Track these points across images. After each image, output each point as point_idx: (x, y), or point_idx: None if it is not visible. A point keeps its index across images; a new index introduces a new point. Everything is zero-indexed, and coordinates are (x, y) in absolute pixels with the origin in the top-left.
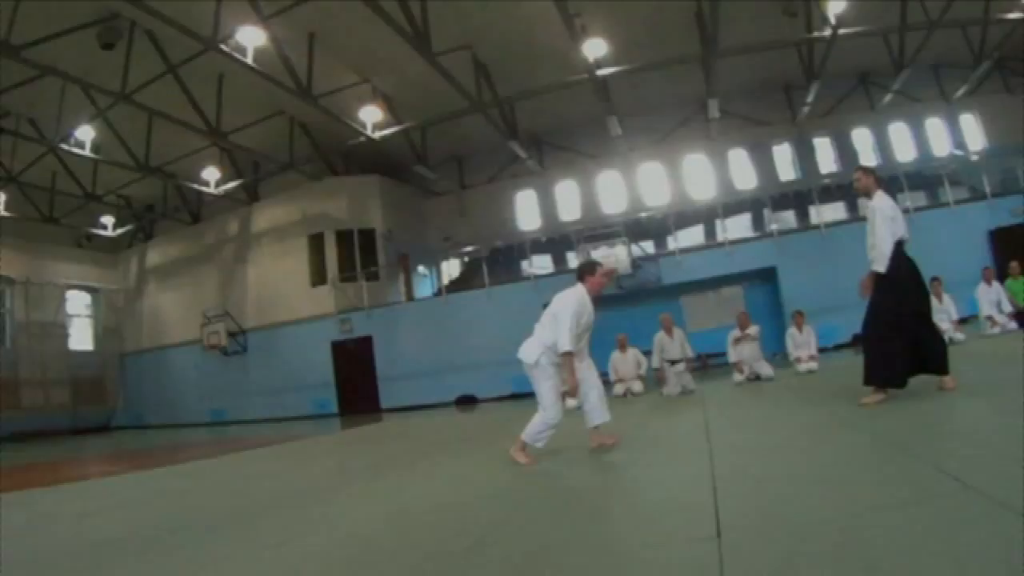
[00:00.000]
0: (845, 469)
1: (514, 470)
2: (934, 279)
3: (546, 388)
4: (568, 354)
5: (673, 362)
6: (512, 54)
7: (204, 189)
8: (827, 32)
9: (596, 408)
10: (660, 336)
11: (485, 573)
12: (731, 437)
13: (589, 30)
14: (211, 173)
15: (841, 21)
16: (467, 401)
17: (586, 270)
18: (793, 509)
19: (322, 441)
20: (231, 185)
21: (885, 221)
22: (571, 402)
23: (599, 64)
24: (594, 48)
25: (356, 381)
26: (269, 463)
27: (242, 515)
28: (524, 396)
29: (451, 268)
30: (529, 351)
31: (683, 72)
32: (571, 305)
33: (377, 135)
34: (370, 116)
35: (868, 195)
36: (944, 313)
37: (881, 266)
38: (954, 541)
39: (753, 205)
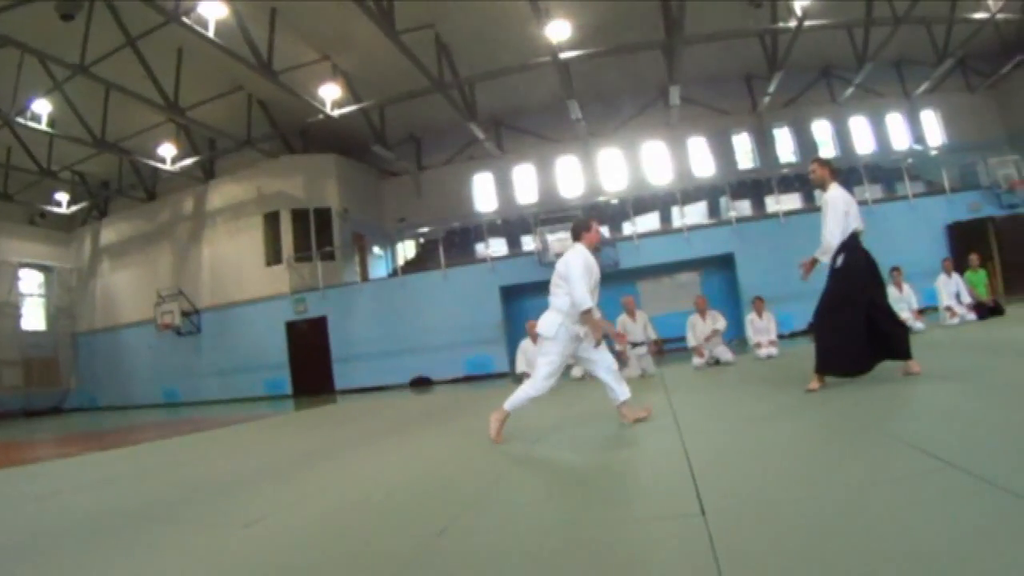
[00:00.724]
0: (820, 449)
1: (485, 449)
2: (894, 269)
3: (549, 364)
4: (588, 311)
5: (635, 345)
6: (475, 35)
7: (160, 166)
8: (792, 24)
9: (614, 385)
10: (622, 319)
11: (477, 547)
12: (698, 419)
13: (553, 13)
14: (167, 149)
15: (806, 13)
16: (422, 383)
17: (581, 227)
18: (773, 487)
19: (278, 422)
20: (187, 162)
21: (836, 213)
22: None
23: (561, 47)
24: (557, 31)
25: (310, 362)
26: (226, 444)
27: (204, 496)
28: (478, 378)
29: (407, 249)
30: (548, 324)
31: (645, 58)
32: (578, 264)
33: (336, 113)
34: (329, 94)
35: (823, 187)
36: (904, 302)
37: (825, 256)
38: (951, 515)
39: (711, 193)
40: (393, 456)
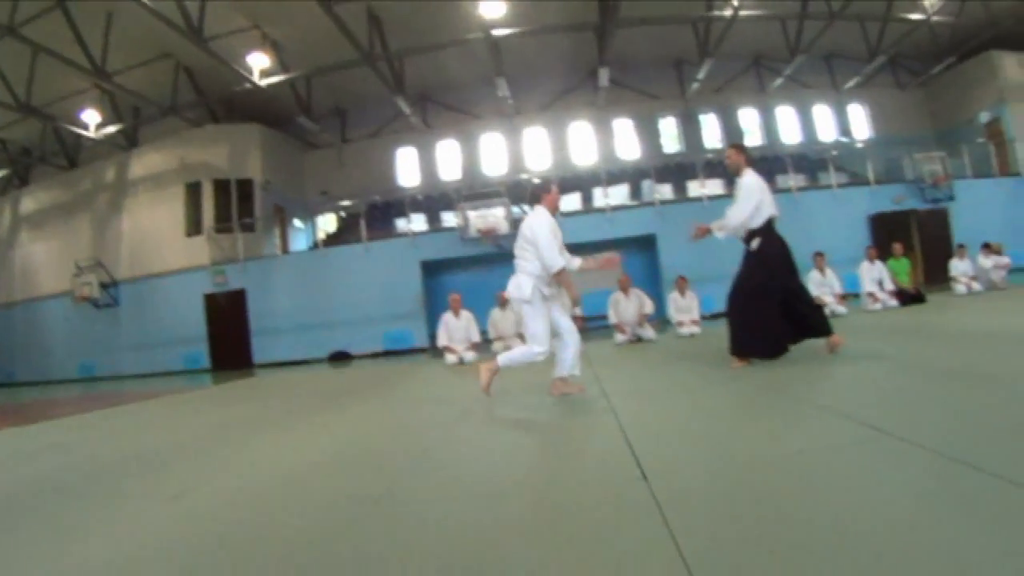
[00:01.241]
0: (754, 419)
1: (415, 420)
2: (817, 254)
3: (541, 325)
4: (561, 271)
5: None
6: (408, 9)
7: (83, 133)
8: (727, 12)
9: (571, 360)
10: None
11: (414, 514)
12: (627, 391)
13: None
14: (91, 116)
15: (742, 3)
16: (340, 357)
17: (541, 190)
18: (710, 454)
19: (200, 395)
20: (110, 129)
21: (749, 198)
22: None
23: (494, 24)
24: (491, 8)
25: (229, 335)
26: (147, 417)
27: (128, 470)
28: (397, 353)
29: (327, 223)
30: (521, 287)
31: (576, 39)
32: (544, 226)
33: (263, 83)
34: (257, 63)
35: (738, 172)
36: (827, 286)
37: (720, 233)
38: (895, 478)
39: (635, 175)
40: (320, 429)
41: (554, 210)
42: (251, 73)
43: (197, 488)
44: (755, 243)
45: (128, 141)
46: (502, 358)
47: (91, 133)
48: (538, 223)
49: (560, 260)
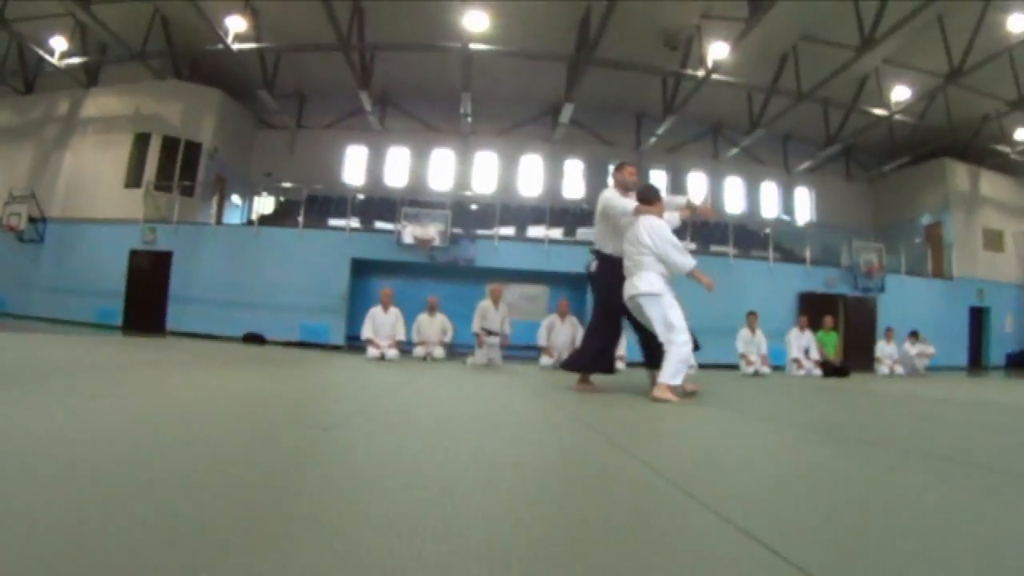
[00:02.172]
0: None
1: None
2: (751, 313)
3: (679, 312)
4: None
5: (490, 333)
6: (393, 3)
7: (48, 57)
8: (700, 72)
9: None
10: (485, 304)
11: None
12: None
13: (476, 2)
14: (59, 43)
15: (716, 67)
16: (254, 339)
17: (652, 196)
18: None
19: (123, 341)
20: (74, 61)
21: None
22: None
23: (473, 38)
24: (475, 21)
25: (147, 296)
26: (64, 343)
27: (48, 375)
28: (311, 345)
29: (265, 205)
30: (653, 283)
31: (547, 71)
32: (666, 229)
33: (236, 47)
34: (235, 25)
35: (628, 190)
36: (755, 345)
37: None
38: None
39: (577, 216)
40: (258, 375)
41: (660, 216)
42: (226, 35)
43: (124, 395)
44: (595, 264)
45: (88, 78)
46: (666, 376)
47: (55, 60)
48: (658, 226)
49: (692, 259)
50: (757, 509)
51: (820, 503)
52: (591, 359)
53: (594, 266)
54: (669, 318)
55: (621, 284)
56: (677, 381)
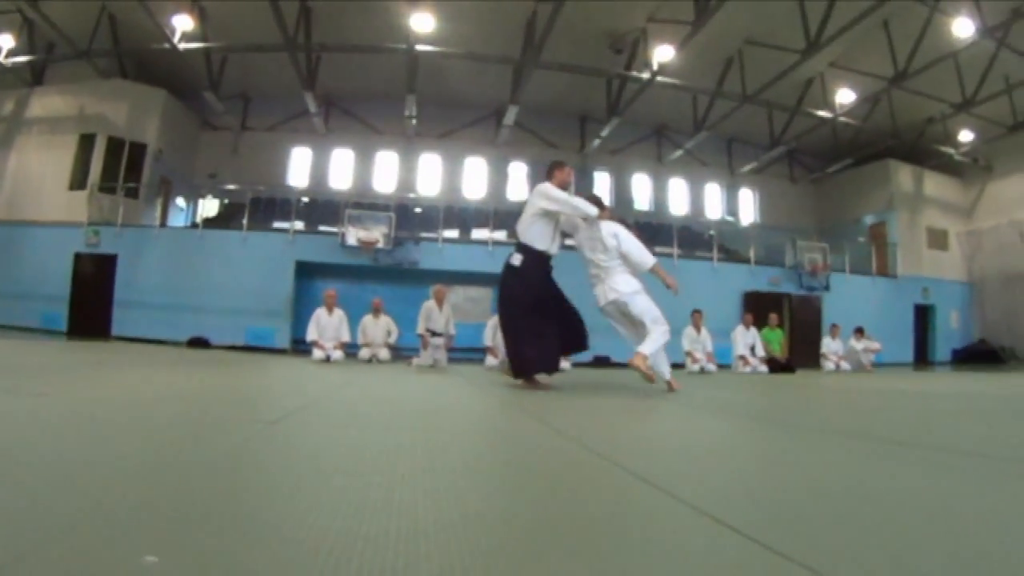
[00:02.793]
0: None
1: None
2: (696, 311)
3: (651, 303)
4: (655, 264)
5: (435, 334)
6: (340, 4)
7: None
8: (645, 75)
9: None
10: (430, 305)
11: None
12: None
13: (423, 3)
14: (6, 40)
15: (662, 69)
16: (200, 343)
17: (600, 205)
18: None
19: (69, 345)
20: (21, 59)
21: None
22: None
23: (419, 40)
24: (421, 22)
25: (91, 300)
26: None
27: None
28: (257, 350)
29: (209, 208)
30: (630, 281)
31: (491, 73)
32: (629, 232)
33: (182, 46)
34: (181, 24)
35: (564, 187)
36: (700, 344)
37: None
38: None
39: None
40: (201, 374)
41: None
42: (173, 34)
43: (65, 392)
44: (518, 258)
45: (34, 77)
46: (649, 349)
47: (1, 58)
48: (622, 232)
49: (652, 256)
50: (713, 492)
51: (780, 487)
52: (540, 359)
53: (518, 260)
54: (649, 312)
55: (549, 280)
56: (648, 351)
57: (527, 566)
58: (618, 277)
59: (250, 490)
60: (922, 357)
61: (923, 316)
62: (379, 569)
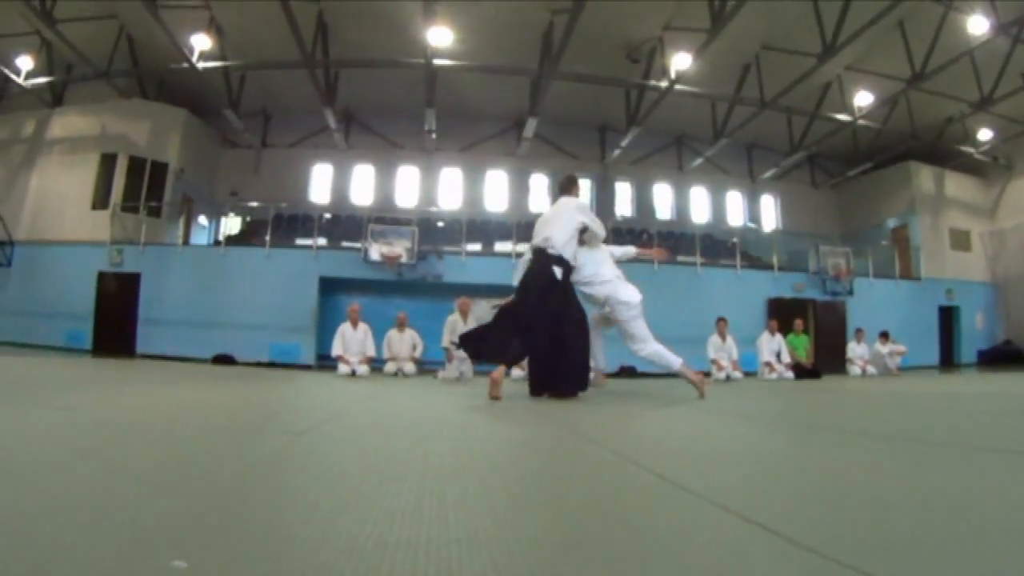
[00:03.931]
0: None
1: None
2: (720, 319)
3: (642, 322)
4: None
5: (460, 347)
6: (356, 21)
7: (13, 77)
8: (663, 83)
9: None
10: (454, 318)
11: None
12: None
13: (440, 17)
14: (25, 62)
15: (679, 78)
16: (224, 360)
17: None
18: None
19: (96, 363)
20: (40, 80)
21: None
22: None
23: (437, 54)
24: (439, 36)
25: (116, 319)
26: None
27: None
28: (282, 366)
29: (231, 225)
30: (635, 291)
31: (510, 86)
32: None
33: (201, 65)
34: (199, 44)
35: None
36: (725, 352)
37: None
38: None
39: None
40: (229, 390)
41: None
42: (191, 53)
43: (93, 406)
44: (560, 271)
45: (54, 98)
46: (670, 364)
47: (21, 80)
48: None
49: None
50: (738, 491)
51: (799, 482)
52: (578, 375)
53: (560, 273)
54: (641, 328)
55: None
56: (680, 366)
57: (560, 569)
58: (629, 286)
59: (279, 498)
60: (948, 359)
61: (948, 318)
62: (411, 574)
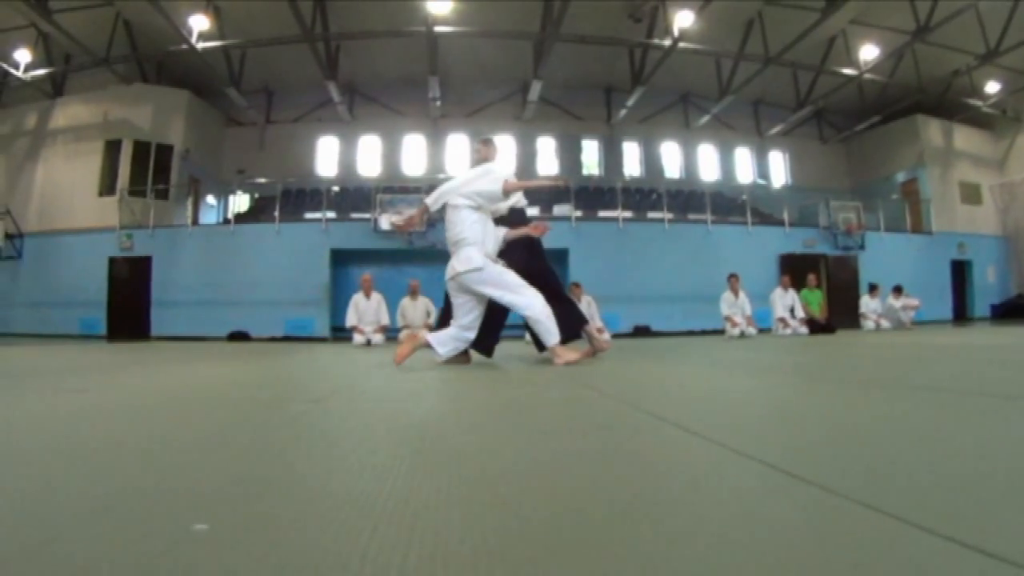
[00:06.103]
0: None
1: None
2: (732, 275)
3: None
4: None
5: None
6: None
7: (12, 71)
8: (667, 42)
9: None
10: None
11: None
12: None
13: None
14: (23, 56)
15: (683, 36)
16: (240, 337)
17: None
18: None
19: (112, 347)
20: (40, 72)
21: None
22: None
23: (437, 21)
24: (439, 3)
25: (129, 303)
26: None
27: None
28: (297, 339)
29: (240, 203)
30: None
31: (512, 50)
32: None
33: (200, 46)
34: (198, 25)
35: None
36: (738, 308)
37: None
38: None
39: (552, 194)
40: (247, 364)
41: None
42: (190, 35)
43: (110, 387)
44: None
45: (54, 89)
46: (554, 337)
47: (20, 73)
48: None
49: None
50: (755, 435)
51: (813, 427)
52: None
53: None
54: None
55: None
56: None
57: (588, 508)
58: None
59: (299, 461)
60: (961, 313)
61: (960, 272)
62: (433, 526)
